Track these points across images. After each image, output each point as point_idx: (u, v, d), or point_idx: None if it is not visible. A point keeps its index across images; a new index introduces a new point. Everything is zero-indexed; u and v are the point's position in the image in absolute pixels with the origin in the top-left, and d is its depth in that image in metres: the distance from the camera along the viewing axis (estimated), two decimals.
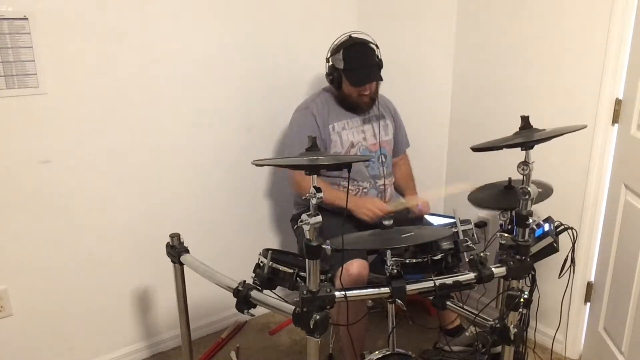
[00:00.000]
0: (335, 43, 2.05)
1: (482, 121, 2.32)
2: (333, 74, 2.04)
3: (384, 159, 2.15)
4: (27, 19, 1.75)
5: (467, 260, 1.47)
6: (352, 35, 2.04)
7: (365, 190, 2.11)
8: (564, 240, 1.73)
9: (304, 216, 1.18)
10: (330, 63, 2.06)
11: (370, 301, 2.40)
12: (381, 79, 2.04)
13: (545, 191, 1.72)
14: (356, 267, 1.80)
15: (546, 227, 1.69)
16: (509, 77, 2.19)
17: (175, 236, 1.68)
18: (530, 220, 1.39)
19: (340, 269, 1.76)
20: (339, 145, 2.08)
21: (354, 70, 1.99)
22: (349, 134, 2.10)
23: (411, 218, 2.12)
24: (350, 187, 2.08)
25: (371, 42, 2.03)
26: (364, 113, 2.14)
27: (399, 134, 2.29)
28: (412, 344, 2.22)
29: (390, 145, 2.22)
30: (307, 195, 1.17)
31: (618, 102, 1.88)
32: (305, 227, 1.18)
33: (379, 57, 2.03)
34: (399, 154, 2.32)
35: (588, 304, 2.15)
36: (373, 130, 2.15)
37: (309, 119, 2.07)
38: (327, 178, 2.09)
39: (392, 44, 2.54)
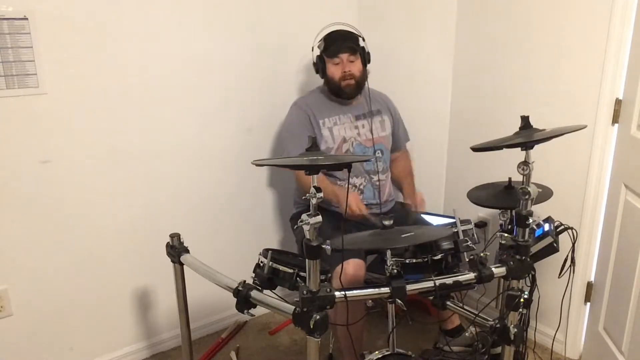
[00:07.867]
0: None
1: (482, 121, 2.32)
2: (318, 62, 2.10)
3: (380, 155, 2.16)
4: (27, 19, 1.74)
5: (467, 260, 1.47)
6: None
7: (361, 186, 2.11)
8: (564, 240, 1.72)
9: (304, 216, 1.18)
10: (316, 52, 2.12)
11: (370, 301, 2.40)
12: (358, 50, 2.05)
13: (545, 194, 1.72)
14: (352, 267, 1.80)
15: (546, 227, 1.69)
16: (509, 77, 2.19)
17: (175, 236, 1.68)
18: (530, 220, 1.39)
19: (336, 268, 1.76)
20: (330, 140, 2.09)
21: (332, 45, 2.05)
22: (340, 130, 2.11)
23: (409, 213, 2.12)
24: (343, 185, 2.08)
25: (356, 33, 2.08)
26: (357, 109, 2.15)
27: (398, 129, 2.29)
28: (412, 344, 2.22)
29: (388, 140, 2.22)
30: (307, 195, 1.17)
31: (618, 102, 1.87)
32: (305, 227, 1.18)
33: (364, 46, 2.08)
34: (398, 148, 2.31)
35: (588, 304, 2.15)
36: (369, 126, 2.15)
37: (299, 113, 2.11)
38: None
39: (393, 44, 2.55)
